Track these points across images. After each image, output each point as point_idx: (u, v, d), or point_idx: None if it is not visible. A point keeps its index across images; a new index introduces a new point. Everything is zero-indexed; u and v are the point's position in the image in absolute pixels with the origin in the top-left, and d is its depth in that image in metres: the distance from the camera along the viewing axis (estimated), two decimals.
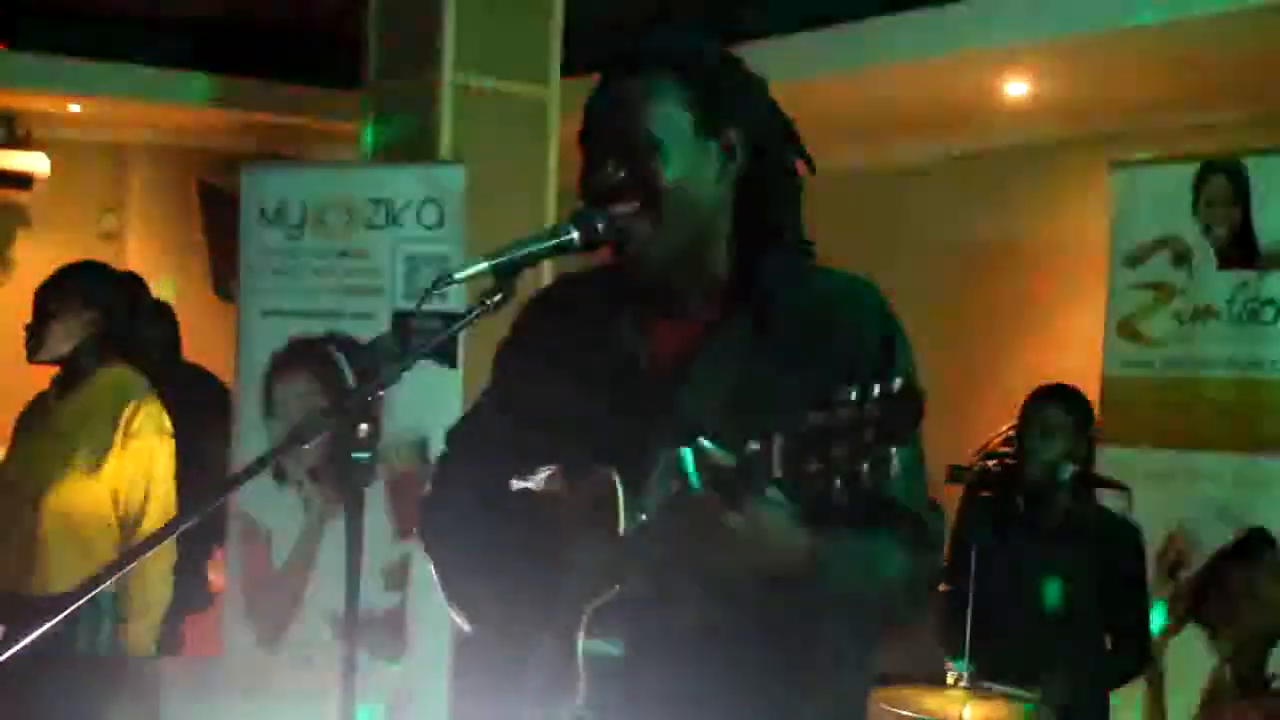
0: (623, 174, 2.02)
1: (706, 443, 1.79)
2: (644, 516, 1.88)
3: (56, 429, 4.15)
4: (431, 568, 2.26)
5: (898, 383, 1.66)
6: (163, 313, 6.07)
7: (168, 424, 4.15)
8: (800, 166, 2.15)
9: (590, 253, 2.04)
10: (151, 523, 4.07)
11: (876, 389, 1.66)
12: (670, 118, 2.02)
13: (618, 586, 1.92)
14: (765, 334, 2.04)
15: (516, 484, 2.15)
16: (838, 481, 1.67)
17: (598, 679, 1.93)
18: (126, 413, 4.08)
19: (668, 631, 1.97)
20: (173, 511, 4.13)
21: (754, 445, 1.75)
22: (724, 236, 2.09)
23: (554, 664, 1.99)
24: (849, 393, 1.66)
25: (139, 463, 4.06)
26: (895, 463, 1.67)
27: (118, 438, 4.06)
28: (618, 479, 1.93)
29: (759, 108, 2.10)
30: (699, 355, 2.06)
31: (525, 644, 2.06)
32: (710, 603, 1.96)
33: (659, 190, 2.01)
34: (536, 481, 2.11)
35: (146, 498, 4.08)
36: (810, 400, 1.72)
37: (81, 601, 1.73)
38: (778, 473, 1.73)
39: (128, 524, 4.07)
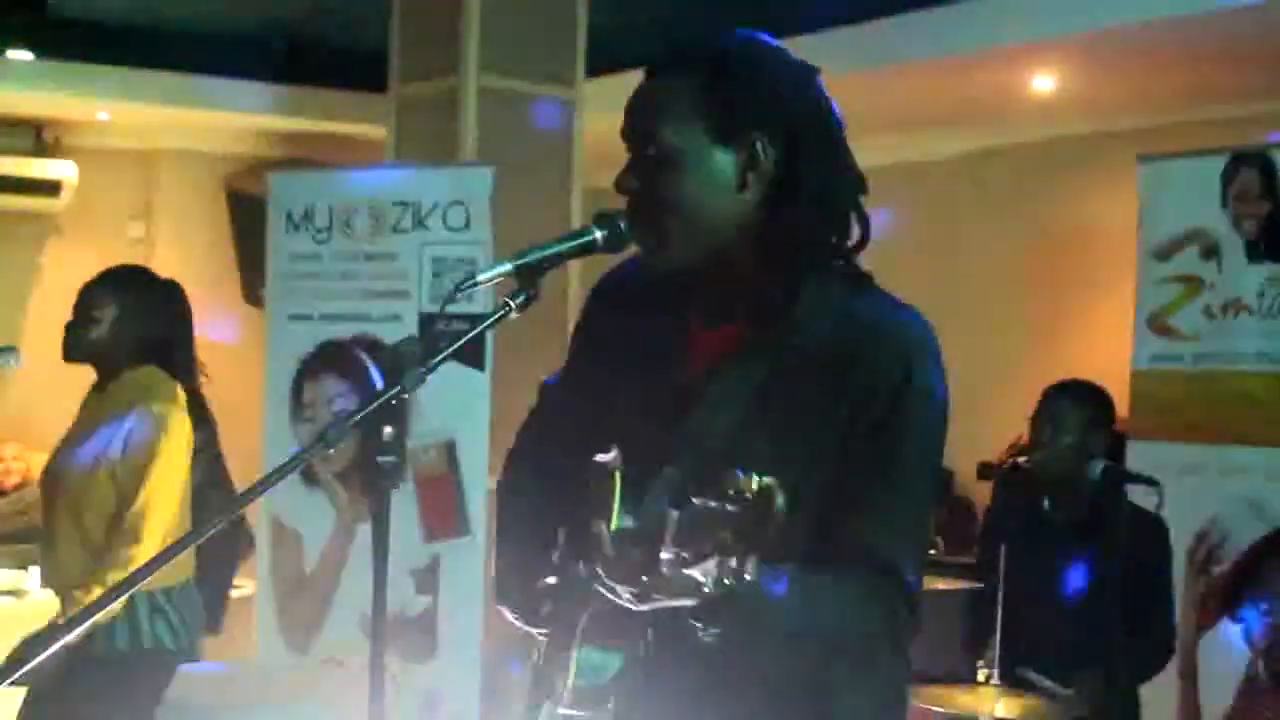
0: (637, 181, 2.00)
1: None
2: (630, 522, 1.82)
3: (84, 428, 4.19)
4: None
5: (755, 483, 1.59)
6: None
7: (189, 427, 4.17)
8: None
9: (613, 253, 2.04)
10: (159, 526, 4.04)
11: (737, 489, 1.59)
12: (684, 125, 1.97)
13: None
14: (787, 359, 1.98)
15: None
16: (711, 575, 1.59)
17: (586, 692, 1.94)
18: (138, 413, 4.09)
19: (660, 644, 1.94)
20: (188, 518, 4.15)
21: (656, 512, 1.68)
22: (753, 245, 2.01)
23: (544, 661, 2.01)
24: (728, 485, 1.60)
25: (143, 466, 4.07)
26: (751, 568, 1.58)
27: (122, 439, 4.06)
28: (618, 473, 1.88)
29: (794, 106, 1.99)
30: (720, 370, 2.02)
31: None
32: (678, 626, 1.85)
33: (666, 203, 1.98)
34: (607, 458, 2.07)
35: (152, 502, 4.06)
36: (820, 433, 1.74)
37: (112, 604, 1.73)
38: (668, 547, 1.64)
39: (132, 526, 4.03)
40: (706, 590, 1.60)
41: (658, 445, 1.94)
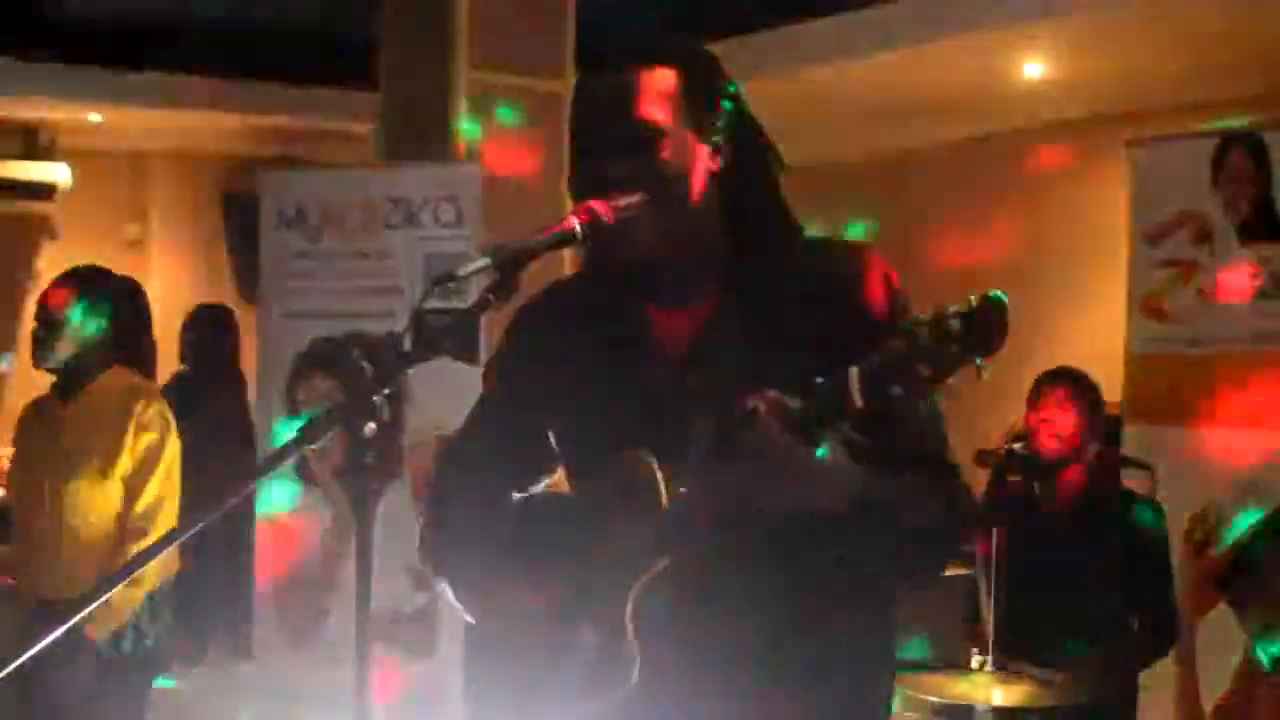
0: (627, 165, 2.03)
1: (772, 393, 1.83)
2: (683, 489, 1.92)
3: (66, 433, 4.17)
4: (446, 585, 2.25)
5: (973, 299, 1.71)
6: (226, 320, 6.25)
7: (174, 425, 4.18)
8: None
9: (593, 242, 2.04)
10: (167, 522, 4.09)
11: (950, 309, 1.71)
12: (670, 108, 2.05)
13: (663, 561, 1.94)
14: (766, 317, 2.06)
15: (517, 496, 2.22)
16: (922, 405, 1.81)
17: (652, 645, 1.95)
18: (137, 413, 4.10)
19: (717, 595, 2.00)
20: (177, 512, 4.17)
21: (824, 381, 1.79)
22: (712, 227, 2.11)
23: (596, 654, 2.01)
24: (925, 315, 1.72)
25: (150, 464, 4.08)
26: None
27: (128, 440, 4.09)
28: (653, 460, 1.98)
29: (738, 107, 2.14)
30: (706, 338, 2.09)
31: (556, 639, 2.07)
32: (758, 560, 1.99)
33: (666, 178, 2.04)
34: (540, 491, 2.16)
35: (160, 498, 4.10)
36: (827, 369, 1.79)
37: (99, 602, 1.73)
38: (858, 402, 1.77)
39: (141, 524, 4.08)
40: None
41: (656, 421, 2.03)
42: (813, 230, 2.20)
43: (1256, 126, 5.00)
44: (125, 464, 4.08)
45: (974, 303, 1.72)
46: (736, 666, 2.02)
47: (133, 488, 4.08)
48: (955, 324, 1.71)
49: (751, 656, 2.03)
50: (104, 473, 4.08)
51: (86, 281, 4.24)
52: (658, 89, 2.06)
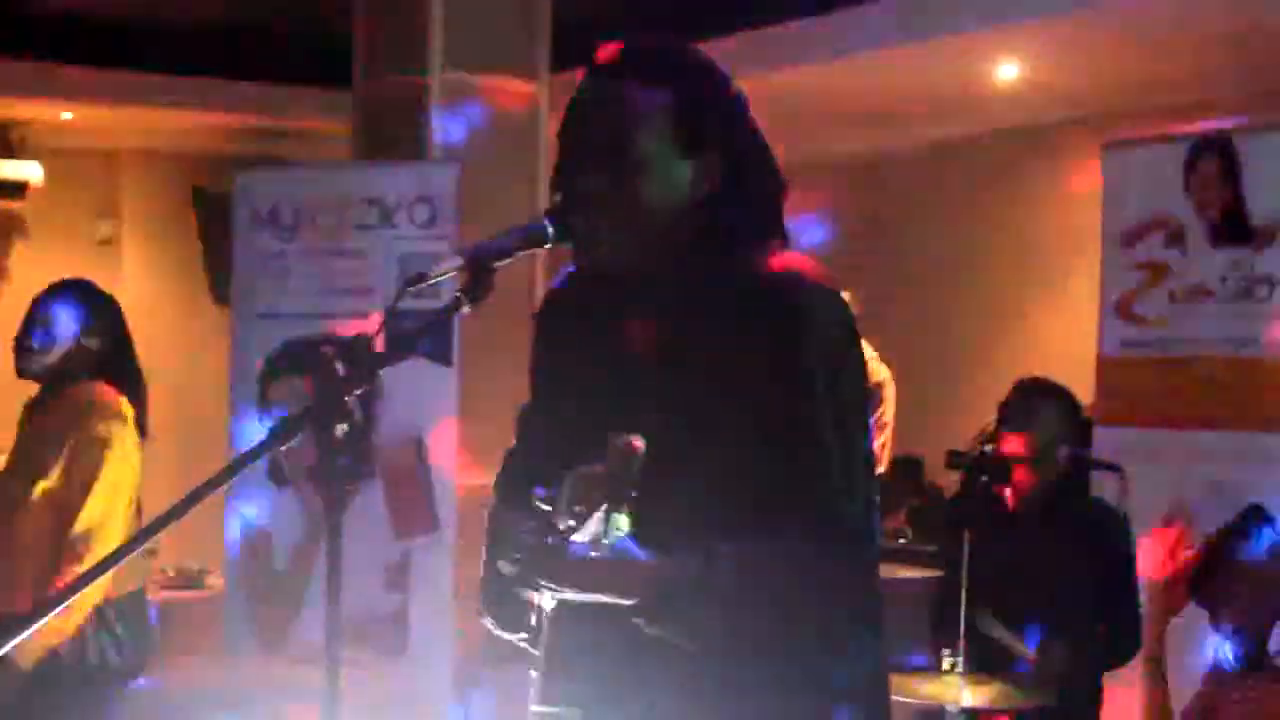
0: (604, 183, 2.01)
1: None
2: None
3: (30, 444, 4.11)
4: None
5: (620, 441, 1.75)
6: None
7: (136, 441, 4.12)
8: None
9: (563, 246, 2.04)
10: (109, 543, 3.96)
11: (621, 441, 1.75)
12: (656, 133, 2.02)
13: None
14: (716, 344, 2.03)
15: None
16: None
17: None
18: (80, 429, 4.03)
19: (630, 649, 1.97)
20: (130, 530, 4.07)
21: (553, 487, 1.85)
22: (689, 244, 2.07)
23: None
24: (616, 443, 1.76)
25: (84, 484, 4.00)
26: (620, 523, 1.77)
27: (62, 457, 4.01)
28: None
29: (740, 131, 2.09)
30: (659, 354, 2.07)
31: None
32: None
33: (639, 207, 2.02)
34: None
35: (101, 521, 3.99)
36: (759, 403, 1.89)
37: (55, 612, 1.72)
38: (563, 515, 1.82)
39: (78, 547, 3.96)
40: (600, 560, 1.77)
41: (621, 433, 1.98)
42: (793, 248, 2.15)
43: (1229, 131, 5.02)
44: (53, 481, 3.99)
45: (620, 448, 1.80)
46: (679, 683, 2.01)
47: (66, 507, 3.98)
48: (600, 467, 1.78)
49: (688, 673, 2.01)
50: (28, 486, 4.00)
51: (82, 293, 4.18)
52: (643, 105, 2.01)
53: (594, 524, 1.76)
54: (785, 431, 1.99)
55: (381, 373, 1.92)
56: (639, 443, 1.78)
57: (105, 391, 4.12)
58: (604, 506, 1.76)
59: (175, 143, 8.89)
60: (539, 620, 2.04)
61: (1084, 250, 5.69)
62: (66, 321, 4.10)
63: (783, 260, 2.09)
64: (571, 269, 2.20)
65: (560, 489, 1.85)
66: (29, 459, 4.07)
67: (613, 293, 2.11)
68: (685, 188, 2.04)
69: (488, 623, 2.20)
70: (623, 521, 1.75)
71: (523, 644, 2.13)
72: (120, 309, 4.26)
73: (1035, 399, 4.29)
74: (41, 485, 4.01)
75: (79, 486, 3.99)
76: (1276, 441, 4.65)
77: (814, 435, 1.99)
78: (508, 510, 2.13)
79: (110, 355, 4.16)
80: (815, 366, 2.00)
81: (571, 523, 1.77)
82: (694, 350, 2.05)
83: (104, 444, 4.03)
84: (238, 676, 5.41)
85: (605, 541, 1.78)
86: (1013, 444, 4.25)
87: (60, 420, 4.07)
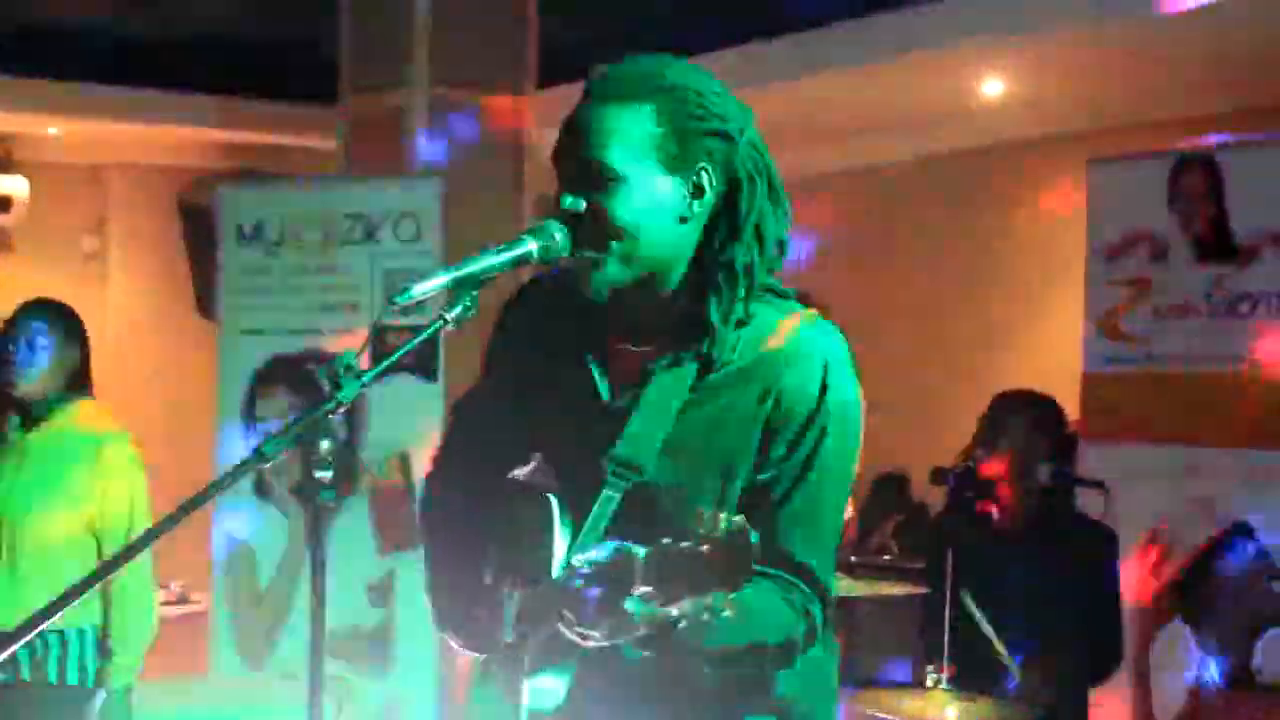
0: (582, 205, 2.00)
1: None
2: (575, 560, 1.84)
3: (30, 463, 4.04)
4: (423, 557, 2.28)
5: (732, 522, 1.63)
6: None
7: (141, 457, 4.11)
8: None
9: (546, 265, 2.04)
10: (133, 568, 3.92)
11: (719, 521, 1.63)
12: (636, 152, 1.98)
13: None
14: (710, 379, 2.04)
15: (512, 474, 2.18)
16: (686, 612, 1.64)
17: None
18: (104, 446, 4.01)
19: (606, 664, 1.96)
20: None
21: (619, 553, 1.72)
22: (684, 270, 2.06)
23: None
24: (701, 520, 1.64)
25: (119, 496, 4.00)
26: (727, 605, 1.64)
27: (97, 470, 3.99)
28: (555, 502, 2.01)
29: (737, 140, 2.04)
30: (644, 389, 2.06)
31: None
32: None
33: (612, 228, 1.99)
34: (526, 472, 2.14)
35: (129, 531, 3.98)
36: (742, 448, 1.91)
37: (39, 629, 1.72)
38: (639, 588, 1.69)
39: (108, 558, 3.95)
40: (682, 626, 1.65)
41: (586, 466, 2.02)
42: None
43: (1211, 147, 5.03)
44: (91, 501, 3.97)
45: (728, 528, 1.64)
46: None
47: (100, 526, 3.97)
48: (711, 551, 1.63)
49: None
50: (70, 508, 3.95)
51: (63, 313, 4.12)
52: (627, 129, 1.98)
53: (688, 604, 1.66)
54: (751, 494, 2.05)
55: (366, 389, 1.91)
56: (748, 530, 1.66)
57: (100, 408, 4.11)
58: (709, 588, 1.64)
59: (162, 158, 8.88)
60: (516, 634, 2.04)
61: (1068, 266, 5.70)
62: (47, 339, 4.02)
63: (784, 323, 2.07)
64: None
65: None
66: (53, 476, 3.99)
67: (597, 308, 2.08)
68: (676, 206, 2.01)
69: (450, 638, 2.21)
70: (728, 606, 1.65)
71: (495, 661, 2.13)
72: (81, 325, 4.20)
73: (1008, 415, 4.28)
74: (84, 500, 3.97)
75: (112, 499, 3.98)
76: (1261, 457, 4.66)
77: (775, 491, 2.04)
78: (454, 518, 2.22)
79: (84, 372, 4.12)
80: (799, 439, 2.04)
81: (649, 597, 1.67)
82: (670, 399, 2.04)
83: (132, 458, 4.04)
84: (222, 692, 5.40)
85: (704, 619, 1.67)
86: (993, 466, 4.25)
87: (77, 434, 4.01)
